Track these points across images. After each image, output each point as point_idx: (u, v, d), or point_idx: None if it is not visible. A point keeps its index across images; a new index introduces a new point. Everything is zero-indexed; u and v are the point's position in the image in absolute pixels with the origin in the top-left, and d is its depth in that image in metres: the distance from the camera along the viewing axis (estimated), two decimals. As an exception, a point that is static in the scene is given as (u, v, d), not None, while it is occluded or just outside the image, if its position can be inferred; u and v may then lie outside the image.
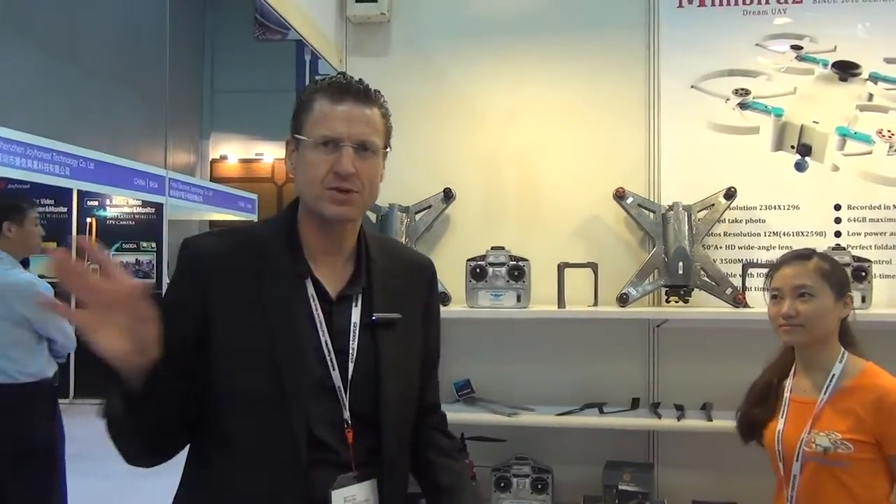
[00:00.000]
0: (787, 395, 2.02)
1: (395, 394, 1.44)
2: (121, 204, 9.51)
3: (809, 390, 1.98)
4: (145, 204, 9.47)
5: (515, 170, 3.14)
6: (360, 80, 1.43)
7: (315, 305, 1.39)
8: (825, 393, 1.93)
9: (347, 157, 1.36)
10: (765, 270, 2.87)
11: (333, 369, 1.38)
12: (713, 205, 2.93)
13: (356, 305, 1.44)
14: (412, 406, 1.52)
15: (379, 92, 1.44)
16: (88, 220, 9.42)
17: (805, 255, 2.03)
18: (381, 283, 1.48)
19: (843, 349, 1.98)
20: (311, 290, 1.40)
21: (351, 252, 1.48)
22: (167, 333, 1.36)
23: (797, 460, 1.91)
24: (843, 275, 2.04)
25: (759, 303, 2.83)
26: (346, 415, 1.38)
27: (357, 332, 1.42)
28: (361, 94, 1.40)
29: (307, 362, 1.37)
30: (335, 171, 1.36)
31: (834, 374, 1.94)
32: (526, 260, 2.87)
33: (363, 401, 1.40)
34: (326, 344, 1.38)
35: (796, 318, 1.93)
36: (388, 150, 1.47)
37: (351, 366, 1.40)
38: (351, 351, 1.41)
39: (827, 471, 1.89)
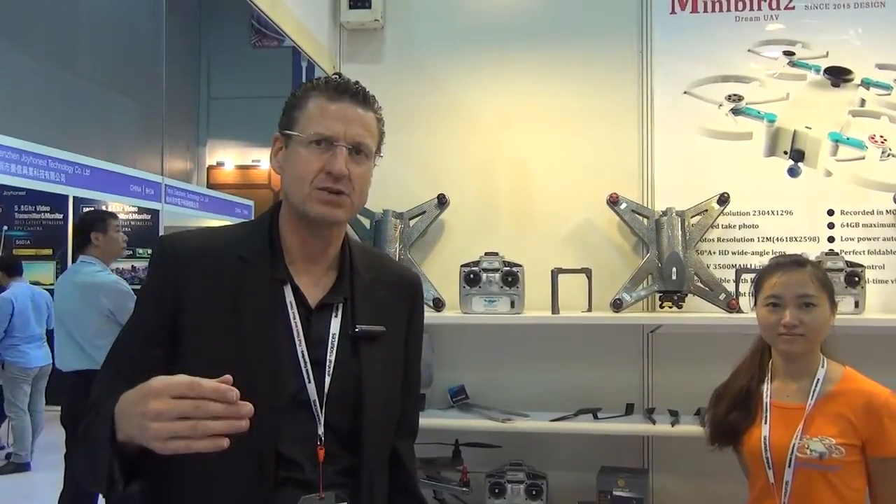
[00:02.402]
0: (767, 400, 1.99)
1: (377, 411, 1.36)
2: (117, 211, 9.50)
3: (793, 395, 1.97)
4: (141, 210, 9.47)
5: (509, 175, 3.15)
6: (357, 82, 1.38)
7: (293, 313, 1.32)
8: (812, 398, 1.93)
9: (342, 156, 1.30)
10: (759, 276, 2.91)
11: (309, 381, 1.30)
12: (706, 210, 2.93)
13: (336, 315, 1.36)
14: (393, 428, 1.44)
15: (374, 97, 1.40)
16: (84, 226, 9.40)
17: (801, 261, 2.00)
18: (366, 295, 1.41)
19: (822, 355, 1.97)
20: (289, 296, 1.33)
21: (334, 260, 1.41)
22: (136, 331, 1.33)
23: (789, 466, 1.90)
24: (831, 283, 2.01)
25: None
26: (321, 431, 1.30)
27: (336, 343, 1.34)
28: (360, 95, 1.36)
29: (282, 373, 1.29)
30: (327, 171, 1.30)
31: (818, 380, 1.94)
32: (520, 265, 2.87)
33: (341, 417, 1.32)
34: (303, 354, 1.31)
35: (799, 328, 1.91)
36: (380, 156, 1.42)
37: (328, 379, 1.32)
38: (328, 363, 1.33)
39: (820, 475, 1.88)
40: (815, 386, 1.93)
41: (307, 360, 1.31)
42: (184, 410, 1.04)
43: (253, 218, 1.54)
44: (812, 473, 1.89)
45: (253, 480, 1.25)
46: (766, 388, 2.01)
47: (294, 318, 1.33)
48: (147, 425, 1.04)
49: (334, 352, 1.34)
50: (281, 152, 1.38)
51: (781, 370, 2.01)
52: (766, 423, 1.97)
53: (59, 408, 8.36)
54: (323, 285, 1.39)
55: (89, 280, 4.02)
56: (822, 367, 1.95)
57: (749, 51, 3.03)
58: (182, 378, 1.06)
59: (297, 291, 1.35)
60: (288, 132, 1.35)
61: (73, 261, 4.48)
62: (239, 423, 1.05)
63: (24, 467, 6.31)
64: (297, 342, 1.32)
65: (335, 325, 1.36)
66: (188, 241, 1.39)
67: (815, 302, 1.92)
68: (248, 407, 1.05)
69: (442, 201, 3.06)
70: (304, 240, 1.37)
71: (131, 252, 9.53)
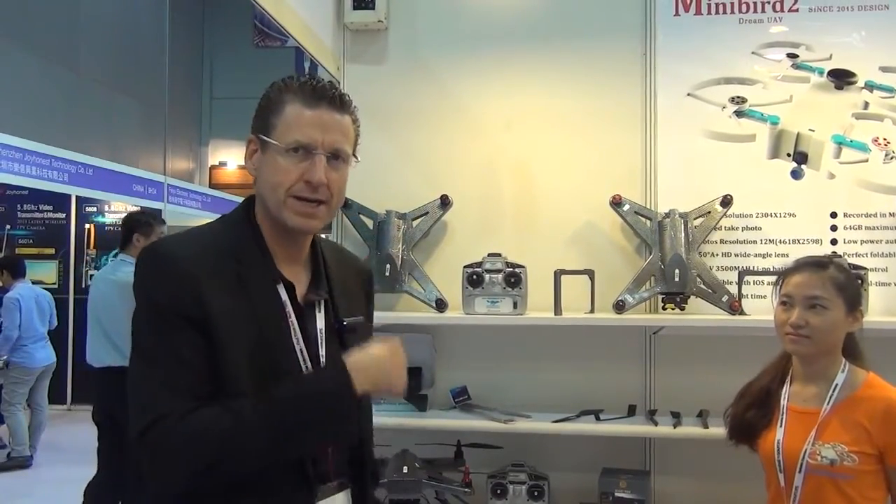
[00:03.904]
0: (784, 403, 1.97)
1: (368, 401, 1.41)
2: (119, 210, 9.51)
3: (810, 400, 1.94)
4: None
5: (512, 177, 3.15)
6: (332, 82, 1.37)
7: (289, 311, 1.34)
8: (828, 403, 1.89)
9: (320, 165, 1.30)
10: (761, 278, 2.92)
11: None
12: (709, 212, 2.93)
13: (319, 311, 1.40)
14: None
15: (349, 97, 1.38)
16: (87, 226, 9.43)
17: (821, 263, 1.97)
18: (340, 288, 1.45)
19: (844, 360, 1.94)
20: (284, 295, 1.34)
21: (306, 257, 1.44)
22: (175, 345, 1.24)
23: (800, 472, 1.87)
24: (857, 288, 1.97)
25: (755, 310, 2.85)
26: None
27: (323, 338, 1.38)
28: (336, 99, 1.34)
29: (292, 372, 1.31)
30: (306, 180, 1.30)
31: (837, 385, 1.90)
32: (522, 267, 2.87)
33: None
34: (302, 352, 1.33)
35: (804, 329, 1.88)
36: (356, 158, 1.40)
37: None
38: (321, 357, 1.36)
39: (832, 483, 1.85)
40: (833, 391, 1.90)
41: (306, 356, 1.34)
42: None
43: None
44: (823, 480, 1.85)
45: (295, 475, 1.30)
46: (785, 391, 1.99)
47: (291, 317, 1.34)
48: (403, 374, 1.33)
49: (324, 346, 1.38)
50: (256, 155, 1.38)
51: (800, 373, 1.98)
52: (781, 426, 1.94)
53: (61, 407, 8.37)
54: (302, 282, 1.41)
55: (128, 279, 4.09)
56: (843, 371, 1.92)
57: (752, 53, 3.03)
58: None
59: (289, 290, 1.36)
60: (264, 138, 1.34)
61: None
62: None
63: (26, 462, 6.33)
64: (296, 340, 1.34)
65: (320, 320, 1.40)
66: (187, 247, 1.33)
67: (824, 304, 1.89)
68: None
69: (445, 202, 3.06)
70: (282, 242, 1.38)
71: (134, 252, 9.53)
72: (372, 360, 1.30)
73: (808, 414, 1.92)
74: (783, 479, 1.91)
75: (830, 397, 1.90)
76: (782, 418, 1.96)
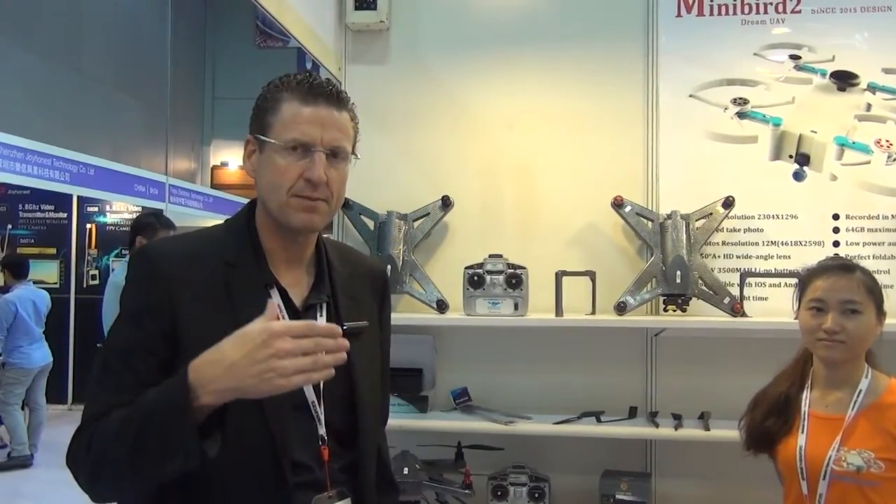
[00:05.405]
0: (805, 409, 1.93)
1: (370, 405, 1.39)
2: (121, 210, 9.53)
3: (833, 406, 1.90)
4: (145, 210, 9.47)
5: (514, 178, 3.14)
6: (329, 79, 1.35)
7: (283, 316, 1.30)
8: (853, 409, 1.86)
9: (320, 163, 1.29)
10: (763, 280, 2.91)
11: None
12: (711, 214, 2.93)
13: (321, 314, 1.37)
14: (379, 419, 1.49)
15: (346, 93, 1.36)
16: (88, 225, 9.44)
17: (849, 266, 1.95)
18: (344, 291, 1.42)
19: (866, 365, 1.91)
20: (277, 299, 1.32)
21: (310, 259, 1.41)
22: (133, 345, 1.25)
23: (824, 479, 1.84)
24: (881, 291, 1.94)
25: (756, 312, 2.84)
26: (322, 431, 1.32)
27: None
28: (334, 96, 1.33)
29: None
30: (306, 178, 1.28)
31: (861, 390, 1.87)
32: (524, 268, 2.87)
33: (339, 416, 1.34)
34: None
35: (840, 335, 1.85)
36: (356, 156, 1.38)
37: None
38: None
39: (857, 490, 1.82)
40: (857, 396, 1.87)
41: None
42: (306, 348, 1.13)
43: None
44: (848, 487, 1.82)
45: (272, 488, 1.25)
46: (806, 397, 1.95)
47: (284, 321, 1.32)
48: (274, 365, 1.11)
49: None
50: (254, 155, 1.36)
51: (822, 378, 1.94)
52: (802, 432, 1.91)
53: (61, 407, 8.38)
54: (304, 285, 1.39)
55: (120, 280, 4.22)
56: (866, 377, 1.89)
57: (755, 54, 3.02)
58: (298, 322, 1.20)
59: (283, 293, 1.35)
60: (262, 137, 1.33)
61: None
62: (342, 356, 1.17)
63: (26, 462, 6.35)
64: None
65: (321, 324, 1.36)
66: (172, 249, 1.35)
67: (859, 309, 1.86)
68: (346, 342, 1.17)
69: (446, 203, 3.05)
70: (283, 244, 1.37)
71: (135, 251, 9.53)
72: (229, 354, 1.14)
73: (832, 420, 1.88)
74: (806, 487, 1.87)
75: (855, 403, 1.87)
76: (803, 424, 1.92)
